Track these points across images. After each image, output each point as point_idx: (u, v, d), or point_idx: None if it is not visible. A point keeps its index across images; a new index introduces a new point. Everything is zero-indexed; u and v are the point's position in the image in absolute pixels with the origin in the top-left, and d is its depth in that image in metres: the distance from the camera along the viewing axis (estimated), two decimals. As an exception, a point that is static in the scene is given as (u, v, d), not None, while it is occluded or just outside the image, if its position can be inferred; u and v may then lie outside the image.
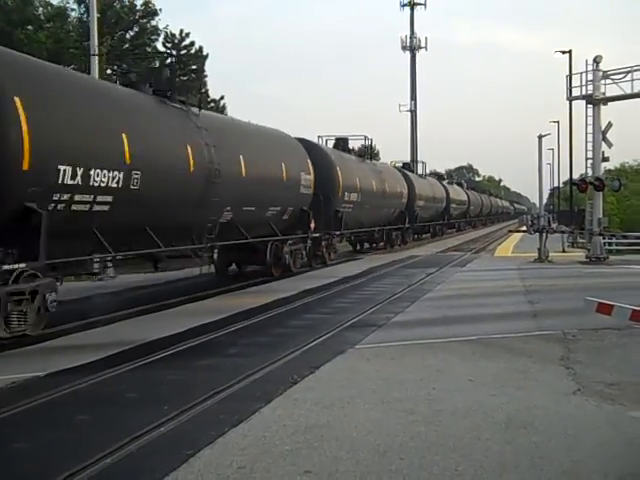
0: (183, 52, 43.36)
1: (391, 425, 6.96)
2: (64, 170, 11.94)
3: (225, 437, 6.62)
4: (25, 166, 11.15)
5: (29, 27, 31.67)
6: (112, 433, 6.76)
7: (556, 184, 70.17)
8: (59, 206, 12.01)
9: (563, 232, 34.03)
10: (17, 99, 11.10)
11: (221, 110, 42.45)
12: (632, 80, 26.92)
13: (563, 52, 38.75)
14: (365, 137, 35.57)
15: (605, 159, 28.78)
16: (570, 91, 29.75)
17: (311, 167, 23.97)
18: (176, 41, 43.13)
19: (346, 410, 7.51)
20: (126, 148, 13.65)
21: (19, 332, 11.22)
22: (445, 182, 60.47)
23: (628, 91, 27.33)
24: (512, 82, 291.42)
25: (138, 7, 37.40)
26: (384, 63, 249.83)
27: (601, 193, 28.68)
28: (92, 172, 12.60)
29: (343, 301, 16.88)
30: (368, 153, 36.95)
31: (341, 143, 31.88)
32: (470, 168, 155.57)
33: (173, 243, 16.19)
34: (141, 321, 13.96)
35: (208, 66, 44.15)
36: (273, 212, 21.25)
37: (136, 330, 12.78)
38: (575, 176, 40.12)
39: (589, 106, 28.17)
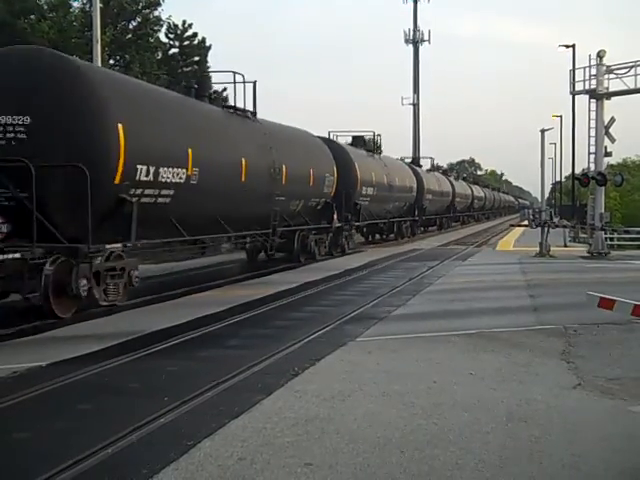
0: (186, 43, 43.27)
1: (391, 418, 6.97)
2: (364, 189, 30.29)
3: (226, 428, 6.63)
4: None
5: (32, 17, 31.58)
6: (113, 423, 6.78)
7: (558, 178, 70.24)
8: (362, 204, 29.87)
9: (565, 227, 34.00)
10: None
11: (224, 101, 42.34)
12: (636, 75, 26.91)
13: (567, 46, 38.80)
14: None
15: (608, 154, 28.76)
16: (573, 85, 29.71)
17: (415, 177, 43.60)
18: (179, 32, 43.03)
19: (347, 403, 7.51)
20: (358, 176, 29.68)
21: None
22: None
23: (632, 86, 27.28)
24: (515, 76, 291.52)
25: (141, -3, 37.26)
26: (387, 56, 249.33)
27: (603, 188, 28.69)
28: (366, 189, 30.69)
29: (344, 293, 16.89)
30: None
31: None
32: (472, 162, 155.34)
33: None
34: (144, 312, 13.96)
35: (210, 57, 44.10)
36: (401, 204, 39.14)
37: (138, 321, 12.79)
38: (577, 171, 40.14)
39: (592, 101, 28.14)
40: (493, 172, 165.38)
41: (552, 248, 28.77)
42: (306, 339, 11.03)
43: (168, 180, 14.83)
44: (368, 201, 31.26)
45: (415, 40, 77.48)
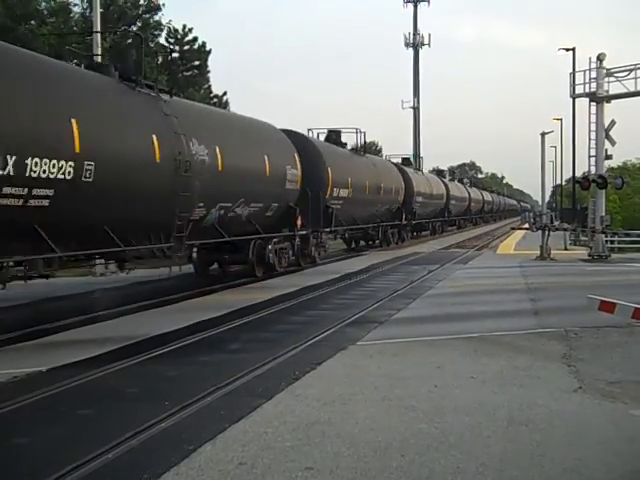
0: (186, 48, 43.33)
1: (392, 422, 6.96)
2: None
3: (226, 433, 6.62)
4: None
5: (32, 22, 31.64)
6: (113, 428, 6.78)
7: (559, 182, 70.28)
8: (416, 207, 42.53)
9: (565, 230, 33.97)
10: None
11: (224, 106, 42.41)
12: (636, 78, 26.85)
13: (567, 50, 38.76)
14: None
15: (608, 157, 28.74)
16: (573, 89, 29.68)
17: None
18: (179, 36, 43.11)
19: (347, 407, 7.51)
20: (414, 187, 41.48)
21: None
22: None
23: (632, 89, 27.24)
24: (515, 79, 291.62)
25: (141, 2, 37.36)
26: (388, 60, 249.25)
27: (604, 191, 28.65)
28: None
29: (345, 297, 16.88)
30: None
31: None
32: (473, 165, 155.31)
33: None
34: (143, 316, 13.97)
35: (211, 62, 44.18)
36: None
37: (138, 325, 12.81)
38: (578, 174, 40.13)
39: (592, 104, 28.12)
40: (494, 175, 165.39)
41: (553, 251, 28.75)
42: (307, 343, 11.03)
43: (342, 195, 27.51)
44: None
45: (415, 44, 77.29)
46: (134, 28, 36.96)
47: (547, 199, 60.25)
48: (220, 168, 17.28)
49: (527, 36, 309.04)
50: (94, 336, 11.82)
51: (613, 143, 28.13)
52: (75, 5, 35.45)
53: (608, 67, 27.84)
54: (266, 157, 20.26)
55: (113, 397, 8.06)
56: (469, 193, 68.69)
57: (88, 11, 32.68)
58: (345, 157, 30.35)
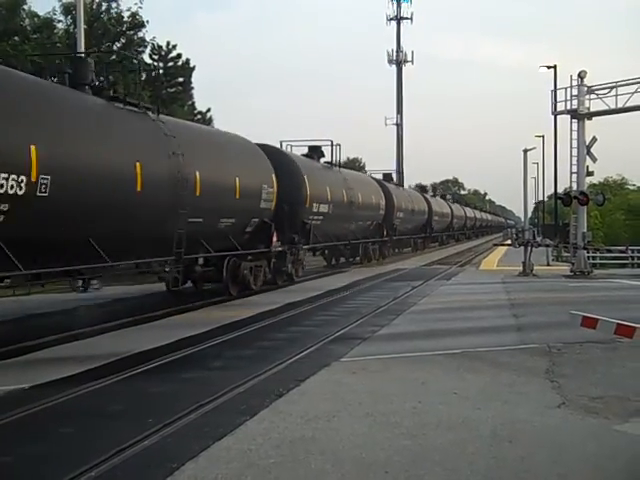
0: (170, 64, 43.35)
1: (376, 438, 6.95)
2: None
3: (210, 450, 6.59)
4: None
5: (15, 38, 31.56)
6: (96, 446, 6.72)
7: (541, 198, 70.75)
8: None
9: (548, 246, 34.16)
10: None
11: (207, 122, 42.43)
12: (616, 95, 27.15)
13: (548, 67, 39.02)
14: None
15: (589, 173, 28.97)
16: (555, 106, 29.96)
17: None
18: (163, 53, 43.14)
19: (331, 423, 7.49)
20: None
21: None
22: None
23: (612, 106, 27.53)
24: (498, 96, 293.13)
25: (125, 19, 37.35)
26: (371, 77, 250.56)
27: (585, 207, 28.85)
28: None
29: (328, 314, 16.86)
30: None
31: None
32: (456, 182, 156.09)
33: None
34: (125, 333, 13.88)
35: (195, 78, 44.23)
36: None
37: (120, 342, 12.72)
38: (560, 190, 40.40)
39: (574, 121, 28.37)
40: (476, 192, 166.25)
41: (535, 267, 28.91)
42: (290, 360, 11.00)
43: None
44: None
45: (398, 61, 77.85)
46: (118, 45, 36.97)
47: (529, 215, 60.51)
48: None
49: (510, 54, 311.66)
50: (76, 353, 11.74)
51: (594, 160, 28.38)
52: (59, 21, 35.41)
53: (589, 84, 28.13)
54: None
55: (96, 414, 8.00)
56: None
57: (72, 27, 32.62)
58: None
